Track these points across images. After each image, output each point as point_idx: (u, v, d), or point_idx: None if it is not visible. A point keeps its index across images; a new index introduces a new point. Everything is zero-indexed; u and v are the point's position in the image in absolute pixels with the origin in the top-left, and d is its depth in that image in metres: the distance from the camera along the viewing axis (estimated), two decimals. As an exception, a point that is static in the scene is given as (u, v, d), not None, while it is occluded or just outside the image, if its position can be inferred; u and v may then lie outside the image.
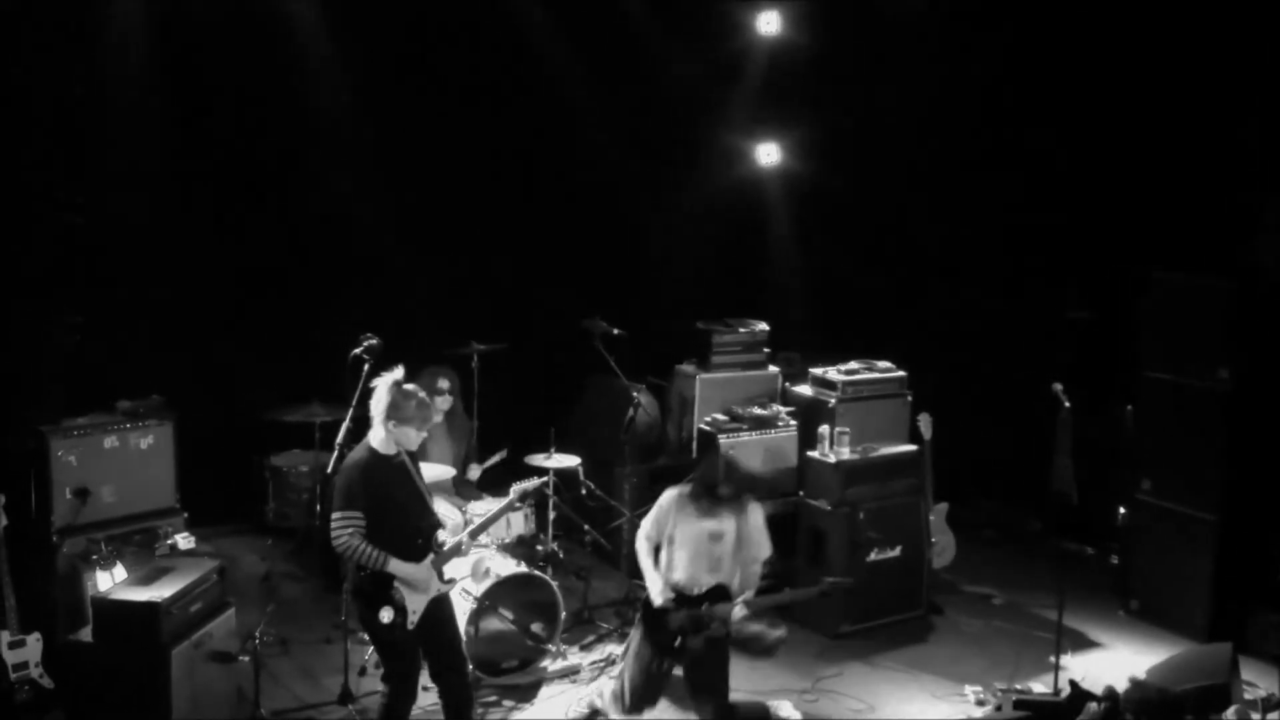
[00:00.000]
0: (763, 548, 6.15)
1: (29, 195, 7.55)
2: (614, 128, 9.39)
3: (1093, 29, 8.57)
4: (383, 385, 5.52)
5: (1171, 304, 7.68)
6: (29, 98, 7.46)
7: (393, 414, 5.45)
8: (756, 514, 6.15)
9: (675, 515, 6.09)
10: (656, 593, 6.02)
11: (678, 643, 5.97)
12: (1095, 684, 6.21)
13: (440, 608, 5.71)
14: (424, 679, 5.79)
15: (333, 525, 5.38)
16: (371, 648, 6.43)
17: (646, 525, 6.18)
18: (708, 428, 8.15)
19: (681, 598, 5.99)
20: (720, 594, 5.99)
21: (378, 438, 5.52)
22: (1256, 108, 7.81)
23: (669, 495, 6.17)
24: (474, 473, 8.02)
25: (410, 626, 5.52)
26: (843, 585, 6.30)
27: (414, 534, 5.57)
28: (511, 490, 6.24)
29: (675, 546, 6.07)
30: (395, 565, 5.41)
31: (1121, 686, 5.95)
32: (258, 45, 8.25)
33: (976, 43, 9.11)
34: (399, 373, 5.61)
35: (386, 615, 5.45)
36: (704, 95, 9.75)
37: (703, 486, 6.11)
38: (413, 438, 5.53)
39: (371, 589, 5.47)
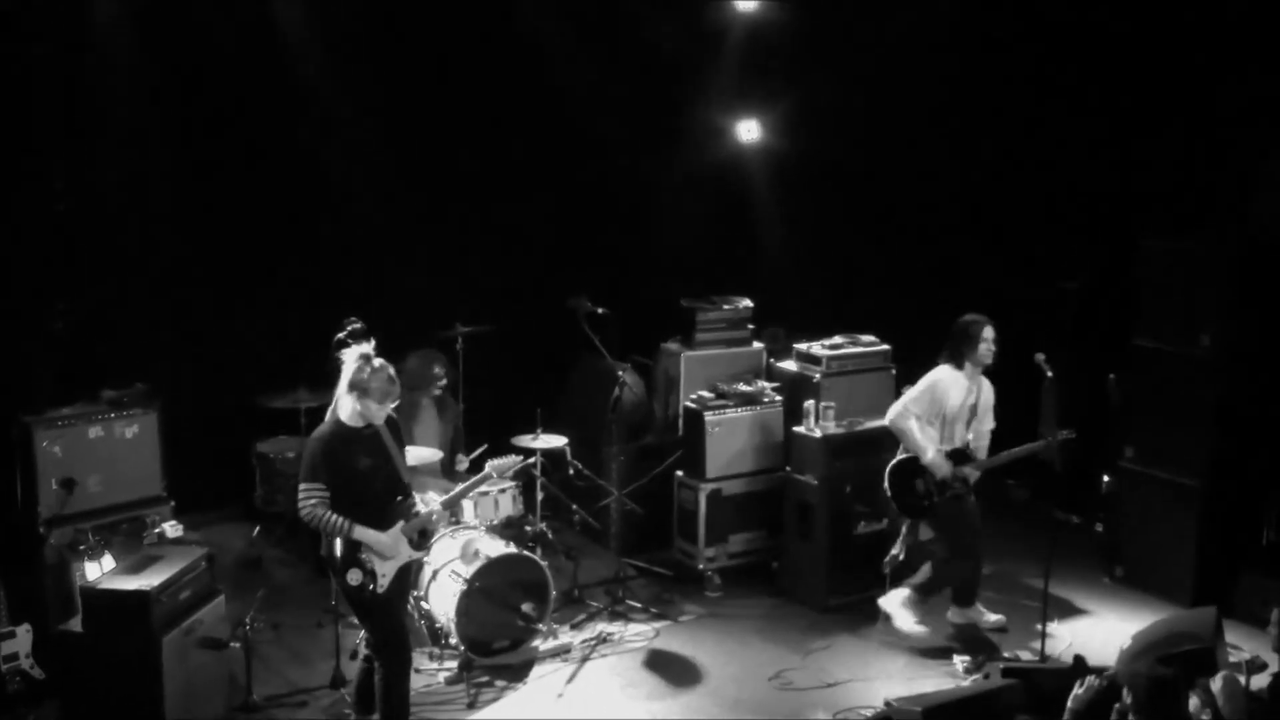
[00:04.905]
0: (991, 419, 7.13)
1: (14, 182, 7.49)
2: (596, 105, 9.34)
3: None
4: (350, 357, 5.59)
5: (1158, 271, 7.71)
6: (13, 85, 7.40)
7: (353, 386, 5.51)
8: (990, 389, 7.11)
9: (950, 391, 6.93)
10: (932, 453, 6.88)
11: (927, 503, 6.96)
12: (1083, 650, 6.29)
13: (407, 578, 5.80)
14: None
15: (298, 497, 5.48)
16: (362, 631, 6.45)
17: (918, 404, 6.91)
18: (693, 405, 8.16)
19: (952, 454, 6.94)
20: (960, 456, 6.99)
21: (345, 409, 5.57)
22: (1242, 68, 7.80)
23: (946, 371, 6.93)
24: (461, 464, 8.00)
25: (380, 590, 5.58)
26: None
27: (380, 502, 5.62)
28: (487, 465, 6.21)
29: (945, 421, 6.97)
30: (360, 532, 5.48)
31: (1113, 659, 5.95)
32: (243, 34, 8.18)
33: (956, 10, 9.09)
34: (367, 346, 5.67)
35: (354, 577, 5.53)
36: (686, 71, 9.71)
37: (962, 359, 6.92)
38: (374, 410, 5.55)
39: (339, 554, 5.54)
